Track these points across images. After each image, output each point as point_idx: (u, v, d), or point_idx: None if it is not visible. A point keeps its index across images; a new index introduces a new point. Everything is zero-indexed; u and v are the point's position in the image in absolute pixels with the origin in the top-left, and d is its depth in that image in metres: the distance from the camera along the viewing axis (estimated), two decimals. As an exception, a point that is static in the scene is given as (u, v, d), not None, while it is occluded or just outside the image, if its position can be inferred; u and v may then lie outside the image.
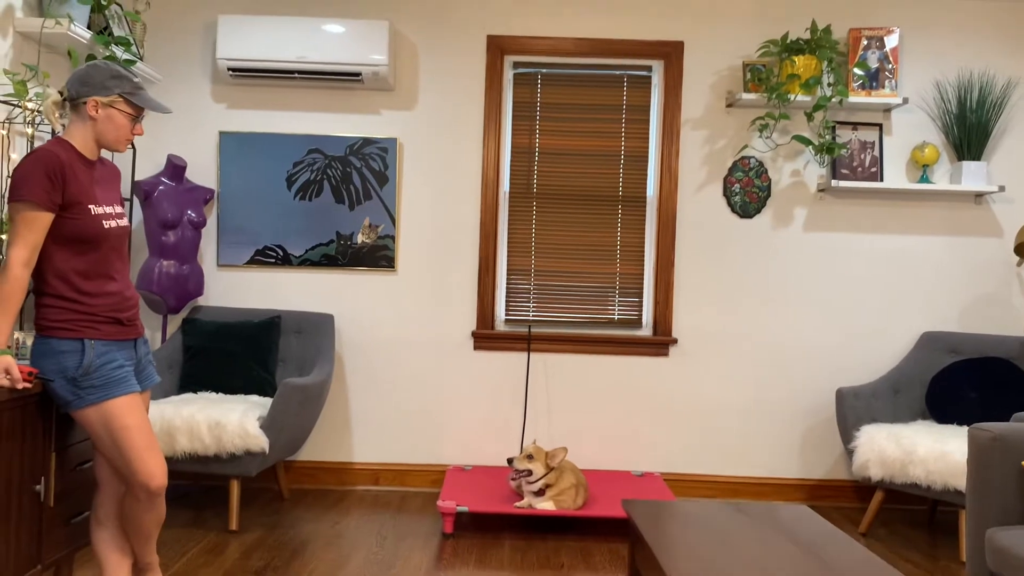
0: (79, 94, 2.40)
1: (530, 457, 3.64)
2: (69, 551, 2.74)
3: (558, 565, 3.36)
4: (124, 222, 2.56)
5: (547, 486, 3.64)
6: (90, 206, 2.39)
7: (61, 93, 2.44)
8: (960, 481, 3.46)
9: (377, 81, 4.21)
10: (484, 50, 4.39)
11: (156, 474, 2.44)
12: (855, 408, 4.01)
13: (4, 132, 3.26)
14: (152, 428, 2.57)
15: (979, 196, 4.37)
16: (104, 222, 2.44)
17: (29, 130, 3.33)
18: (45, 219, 2.32)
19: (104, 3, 3.67)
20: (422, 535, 3.68)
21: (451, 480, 4.05)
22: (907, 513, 4.31)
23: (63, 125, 2.47)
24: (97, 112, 2.40)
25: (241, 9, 4.36)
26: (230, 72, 4.17)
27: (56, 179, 2.31)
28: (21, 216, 2.29)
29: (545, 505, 3.62)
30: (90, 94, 2.39)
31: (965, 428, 3.88)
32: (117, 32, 3.79)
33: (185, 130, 4.39)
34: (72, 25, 3.36)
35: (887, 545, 3.76)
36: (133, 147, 3.91)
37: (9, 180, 2.22)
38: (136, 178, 4.19)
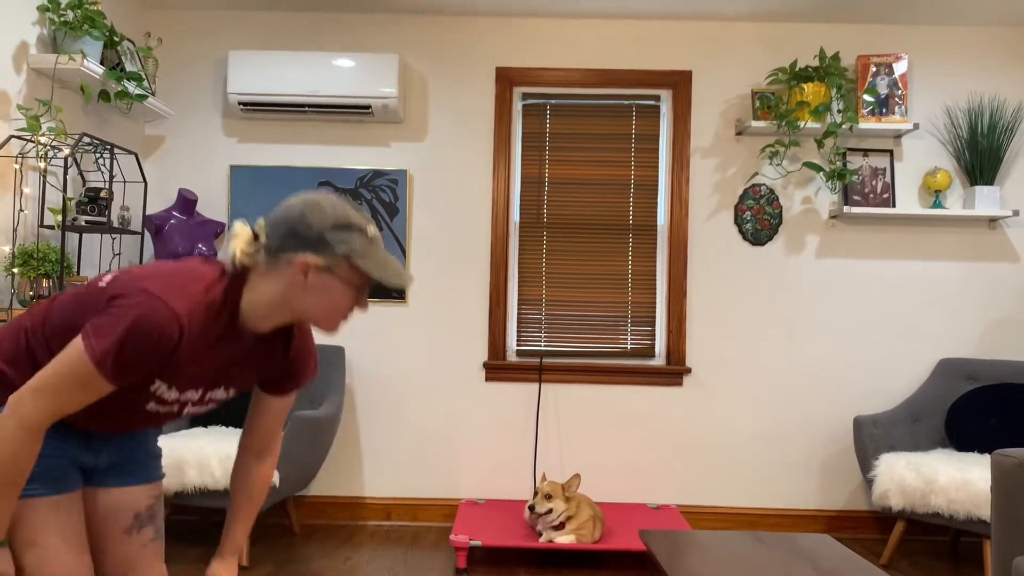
0: (283, 246, 1.59)
1: (548, 496, 3.58)
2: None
3: (574, 599, 3.29)
4: (197, 409, 1.77)
5: (568, 518, 3.58)
6: (158, 380, 1.62)
7: (256, 235, 1.64)
8: (983, 510, 3.38)
9: (387, 114, 4.23)
10: (493, 82, 4.42)
11: None
12: (873, 436, 3.94)
13: (17, 167, 3.27)
14: (83, 553, 1.71)
15: (993, 221, 4.34)
16: (152, 404, 1.68)
17: (42, 164, 3.34)
18: (102, 390, 1.56)
19: (116, 39, 3.71)
20: (435, 570, 3.62)
21: (464, 514, 3.99)
22: (929, 544, 4.23)
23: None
24: (308, 277, 1.59)
25: (251, 44, 4.41)
26: (241, 106, 4.19)
27: (147, 361, 1.54)
28: (75, 370, 1.51)
29: (566, 538, 3.56)
30: (300, 249, 1.58)
31: (986, 456, 3.81)
32: (129, 68, 3.83)
33: (196, 164, 4.41)
34: (85, 61, 3.39)
35: (910, 577, 3.68)
36: (144, 181, 3.91)
37: (95, 321, 1.53)
38: (147, 212, 4.21)
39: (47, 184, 3.46)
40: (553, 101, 4.45)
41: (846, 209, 4.21)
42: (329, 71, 4.14)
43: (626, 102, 4.44)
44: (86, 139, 3.50)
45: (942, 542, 4.26)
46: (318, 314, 1.64)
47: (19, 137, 3.21)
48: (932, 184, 4.27)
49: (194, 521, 4.27)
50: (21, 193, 3.30)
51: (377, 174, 4.38)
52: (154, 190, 4.37)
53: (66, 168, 3.29)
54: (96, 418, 1.70)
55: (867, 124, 4.22)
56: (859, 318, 4.36)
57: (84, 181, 3.79)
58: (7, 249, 3.24)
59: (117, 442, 1.84)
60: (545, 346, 4.42)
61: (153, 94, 4.06)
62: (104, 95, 3.71)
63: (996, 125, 4.24)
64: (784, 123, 4.13)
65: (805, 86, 4.15)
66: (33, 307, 1.75)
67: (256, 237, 1.64)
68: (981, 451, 3.90)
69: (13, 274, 3.21)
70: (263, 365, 1.79)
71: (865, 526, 4.33)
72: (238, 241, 1.63)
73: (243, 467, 1.92)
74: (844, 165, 4.29)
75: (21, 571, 1.65)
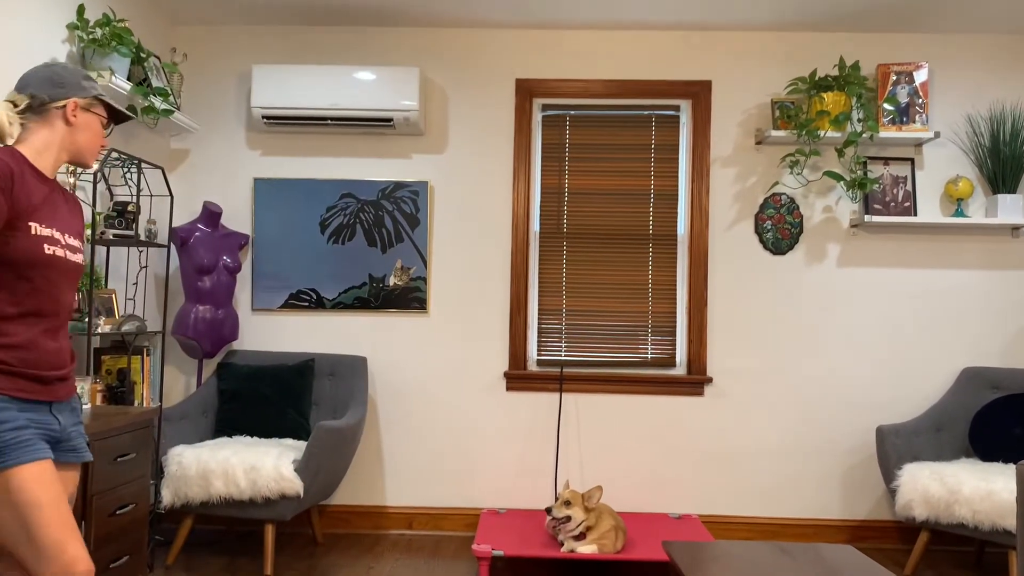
0: (54, 96, 2.01)
1: (567, 503, 3.59)
2: (107, 596, 2.73)
3: (596, 609, 3.30)
4: (78, 257, 2.07)
5: (588, 529, 3.59)
6: (31, 223, 1.92)
7: (14, 103, 2.01)
8: (1009, 521, 3.36)
9: (408, 126, 4.27)
10: (513, 93, 4.45)
11: (79, 558, 1.87)
12: (896, 446, 3.93)
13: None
14: (71, 510, 1.93)
15: (1016, 229, 4.32)
16: (47, 246, 1.94)
17: (71, 179, 3.40)
18: None
19: (143, 56, 3.77)
20: (457, 579, 3.64)
21: (485, 523, 4.01)
22: (954, 555, 4.20)
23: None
24: (76, 116, 2.04)
25: (274, 59, 4.47)
26: (264, 120, 4.25)
27: (5, 190, 1.85)
28: None
29: (588, 549, 3.56)
30: (68, 95, 2.03)
31: (1011, 466, 3.78)
32: (156, 83, 3.89)
33: (221, 177, 4.47)
34: (113, 77, 3.45)
35: (935, 588, 3.65)
36: (170, 194, 3.96)
37: None
38: (173, 225, 4.27)
39: (76, 198, 3.51)
40: (573, 112, 4.47)
41: (867, 218, 4.20)
42: (351, 84, 4.19)
43: (646, 112, 4.46)
44: (114, 154, 3.56)
45: (967, 552, 4.23)
46: (86, 146, 2.08)
47: (49, 153, 3.27)
48: (954, 192, 4.25)
49: (219, 531, 4.32)
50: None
51: (399, 186, 4.42)
52: (180, 203, 4.44)
53: (95, 183, 3.35)
54: (31, 304, 1.93)
55: (887, 133, 4.21)
56: (881, 327, 4.35)
57: (112, 195, 3.85)
58: (38, 263, 3.30)
59: (67, 407, 2.03)
60: (566, 356, 4.44)
61: (179, 109, 4.12)
62: (131, 110, 3.77)
63: (1018, 133, 4.22)
64: (804, 132, 4.14)
65: (825, 95, 4.15)
66: None
67: (14, 105, 2.00)
68: (1006, 461, 3.87)
69: None
70: (78, 212, 2.14)
71: (889, 536, 4.31)
72: (3, 112, 1.97)
73: None
74: (865, 174, 4.29)
75: (33, 534, 1.81)
